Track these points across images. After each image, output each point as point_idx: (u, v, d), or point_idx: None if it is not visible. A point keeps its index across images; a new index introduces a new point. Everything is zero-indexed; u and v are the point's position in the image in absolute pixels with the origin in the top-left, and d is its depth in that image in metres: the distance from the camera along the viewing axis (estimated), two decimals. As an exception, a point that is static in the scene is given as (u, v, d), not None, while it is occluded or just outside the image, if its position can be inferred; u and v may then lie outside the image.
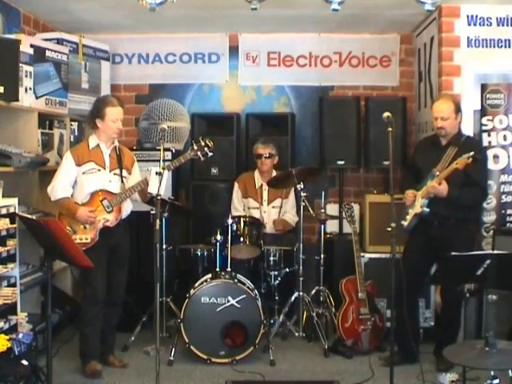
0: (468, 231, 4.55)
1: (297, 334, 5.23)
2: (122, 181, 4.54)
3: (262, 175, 5.74)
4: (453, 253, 3.59)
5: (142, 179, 4.50)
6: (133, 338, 5.04)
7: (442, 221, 4.44)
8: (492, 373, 3.17)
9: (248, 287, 4.82)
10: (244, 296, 4.71)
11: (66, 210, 4.43)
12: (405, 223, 4.48)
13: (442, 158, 4.43)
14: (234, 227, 5.05)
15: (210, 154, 4.54)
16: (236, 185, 5.81)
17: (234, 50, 6.56)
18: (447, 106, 4.49)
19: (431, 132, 5.06)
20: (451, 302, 4.58)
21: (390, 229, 3.87)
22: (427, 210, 4.40)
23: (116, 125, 4.48)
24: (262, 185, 5.73)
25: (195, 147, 4.54)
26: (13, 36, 4.86)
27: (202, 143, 4.53)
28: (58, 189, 4.42)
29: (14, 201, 4.32)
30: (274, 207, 5.72)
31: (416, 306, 4.78)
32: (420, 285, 4.61)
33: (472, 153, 4.15)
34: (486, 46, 5.34)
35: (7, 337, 3.89)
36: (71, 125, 5.67)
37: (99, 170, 4.48)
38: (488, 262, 3.48)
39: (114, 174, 4.53)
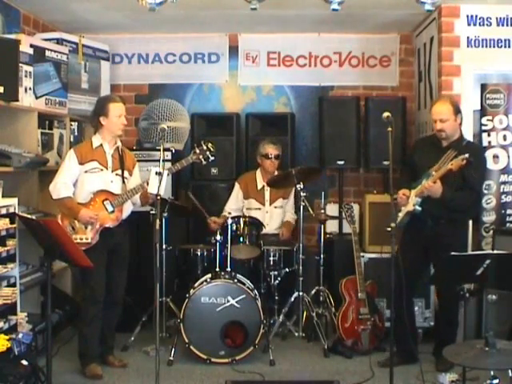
0: (461, 231, 4.57)
1: (296, 334, 5.23)
2: (124, 182, 4.53)
3: (266, 175, 5.69)
4: (452, 253, 3.60)
5: (143, 181, 4.48)
6: (133, 338, 5.05)
7: (436, 220, 4.44)
8: (492, 373, 3.18)
9: (248, 287, 4.82)
10: (244, 296, 4.71)
11: (68, 209, 4.42)
12: (396, 219, 4.48)
13: (440, 159, 4.43)
14: (234, 227, 5.06)
15: (212, 158, 4.54)
16: (237, 185, 5.77)
17: (233, 50, 6.55)
18: (446, 108, 4.47)
19: (431, 132, 5.05)
20: (449, 301, 4.58)
21: (389, 229, 3.88)
22: (419, 208, 4.39)
23: (120, 120, 4.49)
24: (263, 186, 5.71)
25: (197, 151, 4.53)
26: (13, 36, 4.86)
27: (204, 147, 4.51)
28: (61, 187, 4.41)
29: (14, 201, 4.32)
30: (276, 207, 5.71)
31: (412, 305, 4.76)
32: (415, 284, 4.60)
33: (467, 155, 4.15)
34: (486, 46, 5.34)
35: (7, 337, 3.89)
36: (71, 125, 5.67)
37: (101, 170, 4.48)
38: (488, 261, 3.48)
39: (116, 174, 4.52)
